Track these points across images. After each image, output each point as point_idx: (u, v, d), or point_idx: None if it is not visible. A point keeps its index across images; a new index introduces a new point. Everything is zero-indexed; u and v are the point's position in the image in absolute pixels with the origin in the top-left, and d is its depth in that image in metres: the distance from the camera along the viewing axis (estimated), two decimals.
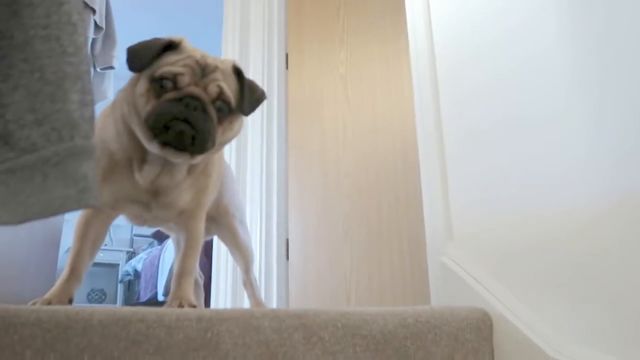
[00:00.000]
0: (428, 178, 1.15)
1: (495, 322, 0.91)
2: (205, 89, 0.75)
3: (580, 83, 0.85)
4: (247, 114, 0.81)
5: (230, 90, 0.78)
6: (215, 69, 0.77)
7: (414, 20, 1.32)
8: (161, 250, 3.70)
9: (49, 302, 0.74)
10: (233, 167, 2.11)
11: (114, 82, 2.21)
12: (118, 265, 5.02)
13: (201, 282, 1.21)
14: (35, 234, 2.15)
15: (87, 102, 0.43)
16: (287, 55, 2.20)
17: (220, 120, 0.76)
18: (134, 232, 5.44)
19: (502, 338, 0.89)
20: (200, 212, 0.85)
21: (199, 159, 0.77)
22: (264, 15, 2.27)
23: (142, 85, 0.75)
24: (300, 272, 1.90)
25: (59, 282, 0.78)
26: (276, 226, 1.96)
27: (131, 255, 5.16)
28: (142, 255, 4.63)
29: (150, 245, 4.99)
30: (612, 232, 0.79)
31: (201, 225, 0.86)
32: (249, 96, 0.81)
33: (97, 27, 1.93)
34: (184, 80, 0.74)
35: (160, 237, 4.60)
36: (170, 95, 0.73)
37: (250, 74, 2.21)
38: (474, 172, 1.04)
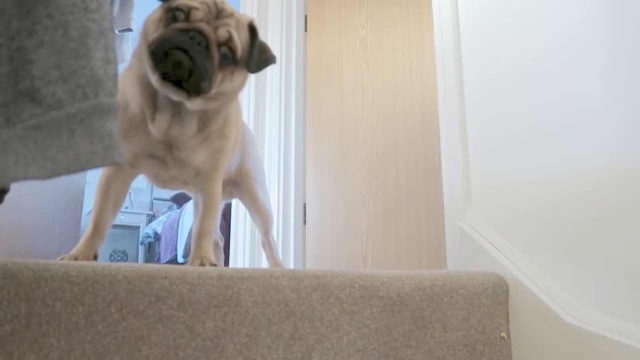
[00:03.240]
0: (448, 144, 1.14)
1: (511, 287, 0.91)
2: (215, 30, 0.75)
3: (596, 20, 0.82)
4: (252, 71, 0.81)
5: (239, 40, 0.77)
6: (231, 16, 0.77)
7: None
8: (180, 213, 3.76)
9: (76, 258, 0.76)
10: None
11: (132, 45, 2.21)
12: (139, 227, 5.14)
13: (221, 244, 1.23)
14: (59, 195, 2.21)
15: (111, 60, 0.43)
16: (306, 17, 2.16)
17: (221, 67, 0.76)
18: (153, 196, 5.53)
19: (518, 303, 0.90)
20: (217, 174, 0.86)
21: (197, 103, 0.77)
22: None
23: (156, 14, 0.75)
24: (318, 236, 1.92)
25: (83, 239, 0.80)
26: (294, 191, 1.97)
27: (151, 218, 5.26)
28: (161, 218, 4.72)
29: (170, 208, 5.07)
30: (628, 195, 0.78)
31: (218, 187, 0.87)
32: (258, 55, 0.80)
33: None
34: (197, 15, 0.74)
35: (179, 201, 4.67)
36: (178, 25, 0.73)
37: (268, 36, 2.18)
38: (494, 136, 1.02)
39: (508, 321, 0.90)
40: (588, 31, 0.86)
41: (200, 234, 0.83)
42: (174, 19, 0.73)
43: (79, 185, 2.64)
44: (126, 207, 5.11)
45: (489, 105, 1.05)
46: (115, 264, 0.59)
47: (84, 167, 0.39)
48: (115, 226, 5.06)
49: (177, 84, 0.73)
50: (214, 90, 0.76)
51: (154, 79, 0.74)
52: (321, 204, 1.94)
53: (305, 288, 0.70)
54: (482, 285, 0.88)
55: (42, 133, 0.38)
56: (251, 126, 2.11)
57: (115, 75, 0.44)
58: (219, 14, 0.76)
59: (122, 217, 4.99)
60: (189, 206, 3.54)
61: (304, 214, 1.97)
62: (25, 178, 0.36)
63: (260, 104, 2.14)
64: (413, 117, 1.72)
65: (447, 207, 1.13)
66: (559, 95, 0.91)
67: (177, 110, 0.78)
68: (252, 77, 2.24)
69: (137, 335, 0.57)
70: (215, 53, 0.74)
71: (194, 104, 0.77)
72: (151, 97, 0.77)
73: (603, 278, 0.80)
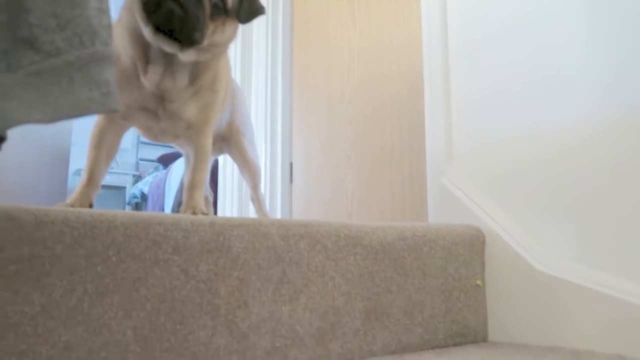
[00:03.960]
0: (432, 104, 1.17)
1: (488, 238, 0.96)
2: None
3: None
4: (242, 21, 0.82)
5: None
6: None
7: None
8: (167, 173, 3.77)
9: (72, 206, 0.79)
10: None
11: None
12: (125, 188, 5.13)
13: (210, 198, 1.26)
14: (45, 155, 2.20)
15: (104, 10, 0.45)
16: None
17: (212, 17, 0.77)
18: (139, 157, 5.50)
19: (493, 253, 0.95)
20: (208, 127, 0.88)
21: (190, 54, 0.78)
22: None
23: None
24: (304, 194, 1.96)
25: (78, 187, 0.82)
26: (280, 149, 1.99)
27: (137, 178, 5.25)
28: (148, 178, 4.72)
29: (156, 169, 5.06)
30: (605, 151, 0.82)
31: (208, 140, 0.89)
32: (248, 5, 0.82)
33: None
34: None
35: (165, 162, 4.66)
36: None
37: None
38: (478, 97, 1.05)
39: (484, 270, 0.95)
40: None
41: (191, 185, 0.86)
42: None
43: (64, 145, 2.63)
44: (112, 168, 5.08)
45: (473, 65, 1.08)
46: (112, 211, 0.62)
47: (83, 112, 0.41)
48: (102, 186, 5.06)
49: (170, 35, 0.74)
50: (206, 41, 0.77)
51: (146, 31, 0.74)
52: (308, 163, 1.97)
53: (294, 236, 0.73)
54: (460, 236, 0.93)
55: (42, 79, 0.40)
56: (238, 83, 2.10)
57: (109, 25, 0.46)
58: None
59: (107, 177, 4.95)
60: (175, 166, 3.54)
61: (291, 173, 2.00)
62: (29, 121, 0.38)
63: (246, 62, 2.13)
64: (399, 79, 1.74)
65: (429, 164, 1.17)
66: (542, 55, 0.93)
67: (169, 62, 0.79)
68: (239, 35, 2.22)
69: (134, 277, 0.60)
70: (207, 3, 0.75)
71: (186, 56, 0.78)
72: (143, 50, 0.78)
73: (577, 230, 0.85)
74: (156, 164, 5.17)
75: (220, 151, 1.16)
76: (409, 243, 0.85)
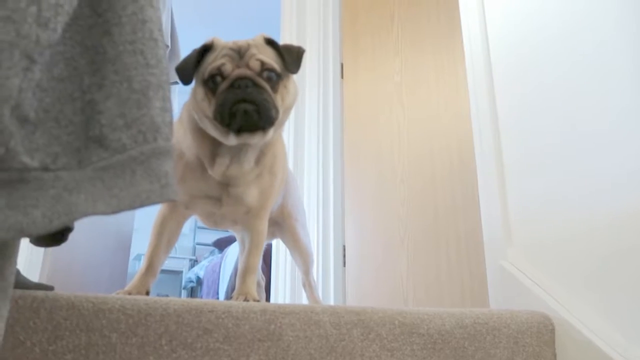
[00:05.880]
0: (485, 185, 1.15)
1: (557, 326, 0.89)
2: (247, 66, 0.81)
3: None
4: (294, 71, 0.86)
5: (269, 58, 0.83)
6: (249, 46, 0.83)
7: (468, 25, 1.32)
8: (222, 257, 3.83)
9: (129, 293, 0.81)
10: None
11: (178, 97, 2.34)
12: (181, 272, 5.23)
13: (262, 283, 1.26)
14: (109, 240, 2.31)
15: (167, 109, 0.49)
16: (342, 65, 2.25)
17: (274, 88, 0.81)
18: (196, 241, 5.65)
19: (565, 343, 0.87)
20: (265, 212, 0.90)
21: (271, 133, 0.82)
22: (319, 26, 2.33)
23: (200, 91, 0.82)
24: (357, 277, 1.92)
25: (137, 275, 0.85)
26: (333, 233, 1.99)
27: (193, 262, 5.36)
28: (204, 262, 4.80)
29: (212, 253, 5.16)
30: None
31: (265, 225, 0.90)
32: (289, 56, 0.85)
33: None
34: (228, 68, 0.80)
35: (220, 246, 4.75)
36: (222, 86, 0.79)
37: (306, 85, 2.27)
38: (534, 183, 1.03)
39: None
40: (615, 47, 0.87)
41: (245, 270, 0.87)
42: (215, 84, 0.80)
43: (127, 231, 2.76)
44: None
45: (522, 138, 1.06)
46: (165, 298, 0.63)
47: (143, 203, 0.43)
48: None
49: (251, 128, 0.79)
50: (281, 111, 0.82)
51: (229, 139, 0.80)
52: (360, 244, 1.95)
53: (346, 324, 0.71)
54: (526, 323, 0.86)
55: (108, 174, 0.43)
56: (290, 168, 2.17)
57: (171, 122, 0.49)
58: (240, 54, 0.82)
59: (165, 262, 5.10)
60: (230, 250, 3.60)
61: (344, 256, 1.98)
62: (93, 213, 0.41)
63: (299, 149, 2.20)
64: (450, 158, 1.73)
65: (487, 246, 1.13)
66: (588, 117, 0.91)
67: (237, 150, 0.83)
68: (290, 124, 2.31)
69: None
70: (263, 82, 0.80)
71: (269, 135, 0.82)
72: (210, 149, 0.83)
73: None
74: (212, 247, 5.28)
75: (273, 236, 1.17)
76: (469, 331, 0.80)
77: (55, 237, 0.60)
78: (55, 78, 0.44)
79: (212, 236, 5.51)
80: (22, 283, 0.64)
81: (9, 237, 0.38)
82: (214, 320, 0.63)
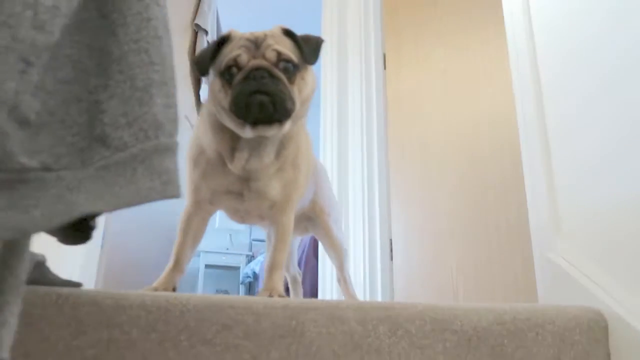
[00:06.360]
0: (531, 172, 1.08)
1: (611, 323, 0.82)
2: (264, 57, 0.79)
3: None
4: (312, 62, 0.83)
5: (286, 49, 0.81)
6: (265, 37, 0.81)
7: (512, 19, 1.25)
8: None
9: (156, 289, 0.83)
10: (335, 170, 2.15)
11: None
12: (239, 268, 5.37)
13: (299, 278, 1.25)
14: (162, 239, 2.40)
15: (171, 105, 0.48)
16: (384, 55, 2.20)
17: (291, 80, 0.79)
18: (252, 237, 5.78)
19: (620, 341, 0.80)
20: (290, 206, 0.89)
21: (288, 125, 0.80)
22: (360, 18, 2.29)
23: (216, 83, 0.81)
24: (405, 271, 1.87)
25: (164, 272, 0.86)
26: (379, 226, 1.96)
27: (250, 258, 5.48)
28: (260, 258, 4.90)
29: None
30: None
31: (290, 219, 0.89)
32: (307, 46, 0.83)
33: None
34: (243, 59, 0.79)
35: None
36: (238, 77, 0.78)
37: (348, 77, 2.24)
38: (581, 158, 0.95)
39: None
40: None
41: (271, 266, 0.86)
42: (231, 75, 0.79)
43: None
44: (227, 249, 5.38)
45: (571, 127, 0.99)
46: (186, 294, 0.63)
47: (143, 201, 0.43)
48: (218, 267, 5.35)
49: (268, 120, 0.78)
50: (298, 103, 0.80)
51: (246, 132, 0.79)
52: (407, 238, 1.90)
53: (372, 320, 0.68)
54: (574, 320, 0.80)
55: (109, 172, 0.43)
56: (334, 165, 2.15)
57: (175, 119, 0.49)
58: (257, 45, 0.80)
59: (223, 258, 5.25)
60: None
61: (391, 250, 1.94)
62: (93, 211, 0.41)
63: (342, 144, 2.18)
64: (500, 145, 1.65)
65: (534, 238, 1.06)
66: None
67: (255, 144, 0.82)
68: (334, 117, 2.29)
69: None
70: (279, 73, 0.78)
71: (286, 127, 0.81)
72: (229, 143, 0.83)
73: None
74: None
75: (306, 231, 1.16)
76: (509, 328, 0.75)
77: (81, 235, 0.62)
78: (61, 81, 0.45)
79: (249, 225, 5.60)
80: (50, 280, 0.66)
81: (10, 236, 0.39)
82: (234, 317, 0.62)
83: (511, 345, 0.74)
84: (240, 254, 5.46)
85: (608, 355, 0.80)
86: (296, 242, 1.32)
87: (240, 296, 0.66)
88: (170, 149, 0.47)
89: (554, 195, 1.01)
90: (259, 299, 0.65)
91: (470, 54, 1.82)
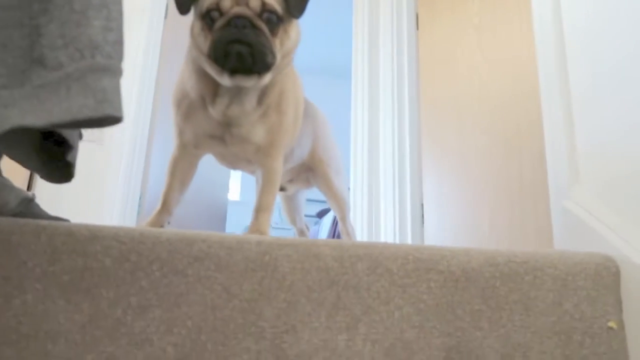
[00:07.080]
0: (550, 115, 1.01)
1: (624, 269, 0.76)
2: (247, 5, 0.77)
3: None
4: (297, 16, 0.81)
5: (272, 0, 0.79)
6: None
7: None
8: (319, 227, 3.92)
9: None
10: (366, 132, 2.12)
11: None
12: None
13: (307, 232, 1.25)
14: (202, 213, 2.48)
15: (112, 28, 0.49)
16: (417, 15, 2.12)
17: (273, 32, 0.78)
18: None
19: (634, 289, 0.74)
20: (276, 150, 0.88)
21: (268, 77, 0.79)
22: None
23: (196, 26, 0.81)
24: (436, 236, 1.83)
25: (152, 214, 0.89)
26: (410, 190, 1.91)
27: None
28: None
29: (316, 223, 5.30)
30: None
31: (277, 163, 0.89)
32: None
33: None
34: (226, 4, 0.77)
35: (322, 216, 4.86)
36: (218, 23, 0.77)
37: (379, 37, 2.18)
38: (607, 108, 0.87)
39: (620, 310, 0.75)
40: None
41: (258, 207, 0.86)
42: (212, 20, 0.78)
43: (222, 204, 2.94)
44: (276, 223, 5.47)
45: (592, 58, 0.91)
46: (159, 229, 0.65)
47: (75, 117, 0.44)
48: None
49: (246, 71, 0.77)
50: (279, 57, 0.79)
51: (224, 80, 0.79)
52: (439, 202, 1.85)
53: (350, 257, 0.67)
54: (579, 264, 0.75)
55: (44, 90, 0.45)
56: (365, 127, 2.12)
57: (117, 42, 0.49)
58: None
59: (274, 232, 5.35)
60: (325, 220, 3.66)
61: (422, 215, 1.90)
62: (22, 125, 0.42)
63: (374, 105, 2.14)
64: (536, 103, 1.56)
65: (551, 187, 0.99)
66: None
67: (236, 91, 0.82)
68: (365, 79, 2.24)
69: (176, 292, 0.61)
70: (261, 24, 0.77)
71: (266, 79, 0.80)
72: (211, 88, 0.83)
73: None
74: (316, 218, 5.42)
75: (308, 182, 1.15)
76: (502, 270, 0.71)
77: (63, 172, 0.65)
78: (4, 6, 0.47)
79: (316, 208, 5.64)
80: (36, 214, 0.70)
81: None
82: (206, 250, 0.63)
83: (504, 288, 0.71)
84: (290, 229, 5.54)
85: (619, 302, 0.75)
86: (303, 196, 1.32)
87: (213, 232, 0.67)
88: (108, 70, 0.47)
89: (573, 137, 0.94)
90: (232, 235, 0.66)
91: (504, 8, 1.72)
